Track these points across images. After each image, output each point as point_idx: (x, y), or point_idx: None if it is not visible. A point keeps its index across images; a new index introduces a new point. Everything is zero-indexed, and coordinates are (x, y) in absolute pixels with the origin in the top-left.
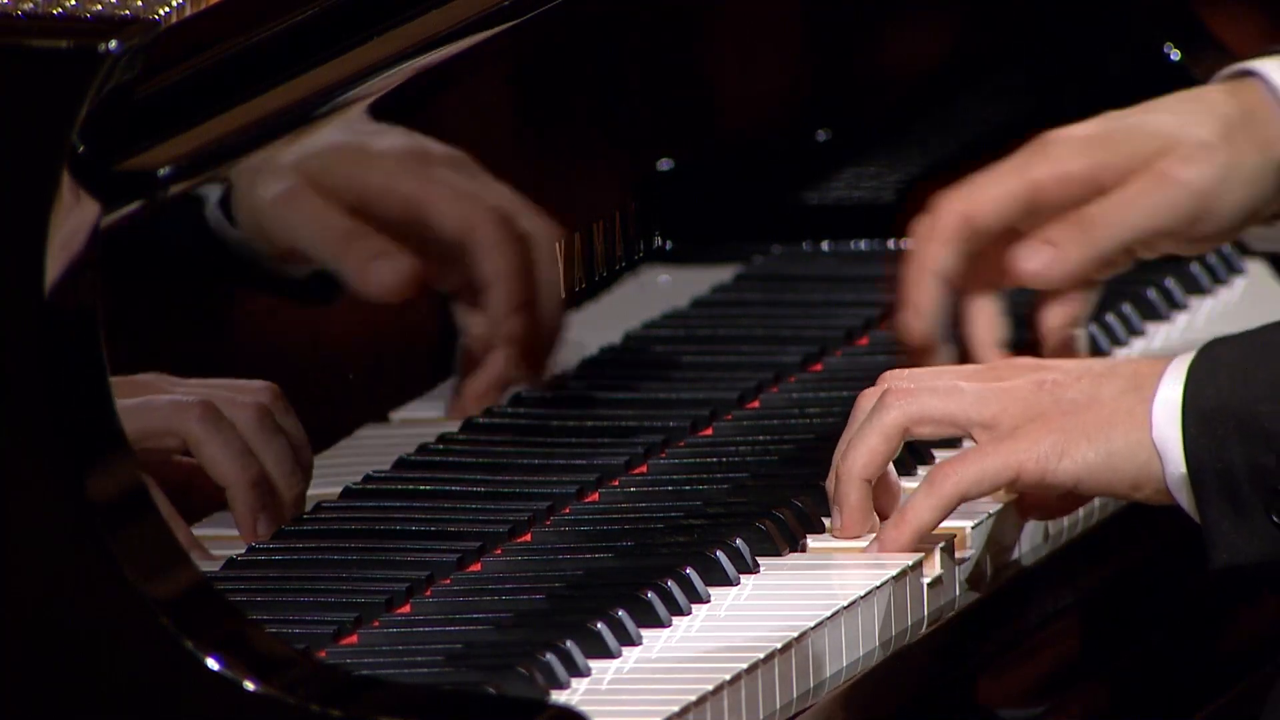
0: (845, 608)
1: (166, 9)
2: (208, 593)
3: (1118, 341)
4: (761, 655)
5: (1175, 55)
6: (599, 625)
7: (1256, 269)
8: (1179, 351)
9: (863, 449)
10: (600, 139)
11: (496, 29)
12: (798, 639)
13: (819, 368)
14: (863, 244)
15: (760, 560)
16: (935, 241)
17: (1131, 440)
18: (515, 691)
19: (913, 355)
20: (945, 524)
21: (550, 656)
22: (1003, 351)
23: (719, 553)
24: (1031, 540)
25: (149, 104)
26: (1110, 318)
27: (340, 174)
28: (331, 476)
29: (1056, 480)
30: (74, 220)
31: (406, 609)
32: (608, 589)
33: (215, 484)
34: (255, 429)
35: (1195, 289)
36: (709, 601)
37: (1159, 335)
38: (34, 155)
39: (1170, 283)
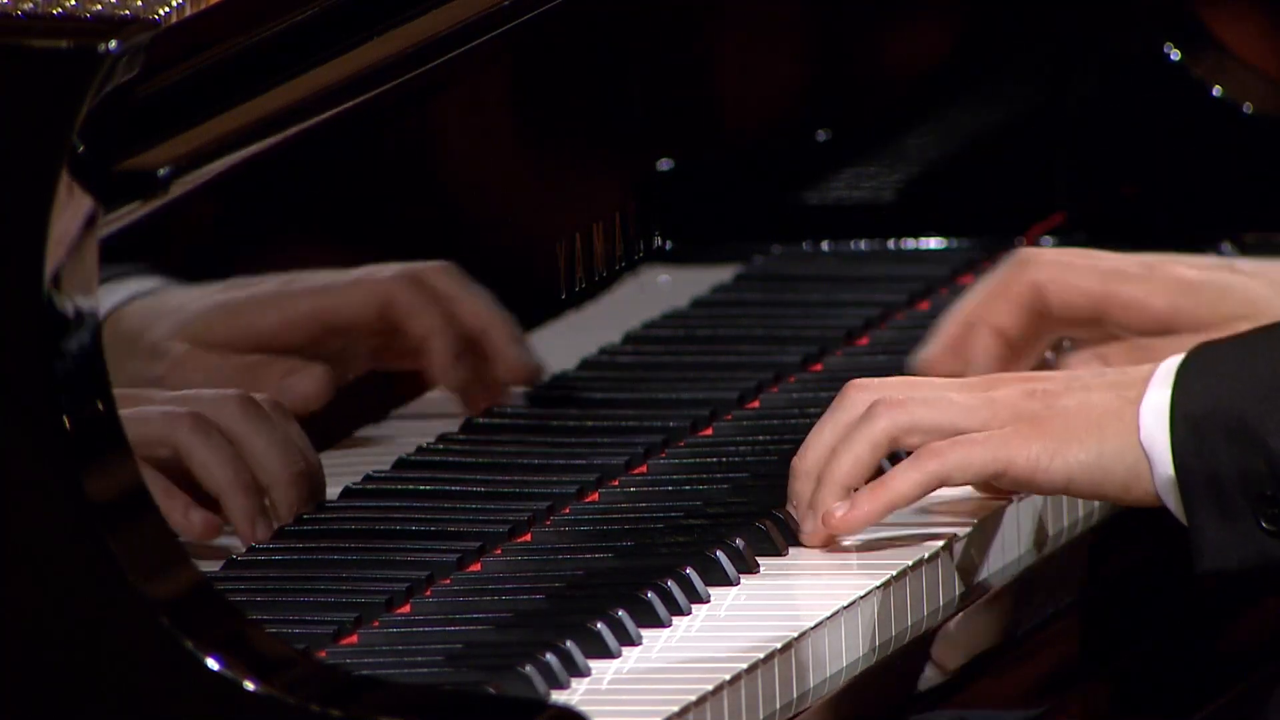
0: (845, 608)
1: (166, 9)
2: (208, 593)
3: None
4: (762, 655)
5: (1175, 55)
6: (599, 625)
7: None
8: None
9: (848, 457)
10: (600, 139)
11: (497, 29)
12: (798, 639)
13: (819, 368)
14: (863, 244)
15: (760, 560)
16: (1005, 300)
17: (1121, 443)
18: (515, 691)
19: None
20: (945, 525)
21: (550, 656)
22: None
23: (719, 553)
24: (1031, 540)
25: (149, 104)
26: None
27: (223, 329)
28: (332, 476)
29: (1047, 480)
30: (74, 220)
31: (406, 609)
32: (608, 589)
33: (209, 491)
34: (247, 435)
35: None
36: (709, 601)
37: None
38: (34, 155)
39: None
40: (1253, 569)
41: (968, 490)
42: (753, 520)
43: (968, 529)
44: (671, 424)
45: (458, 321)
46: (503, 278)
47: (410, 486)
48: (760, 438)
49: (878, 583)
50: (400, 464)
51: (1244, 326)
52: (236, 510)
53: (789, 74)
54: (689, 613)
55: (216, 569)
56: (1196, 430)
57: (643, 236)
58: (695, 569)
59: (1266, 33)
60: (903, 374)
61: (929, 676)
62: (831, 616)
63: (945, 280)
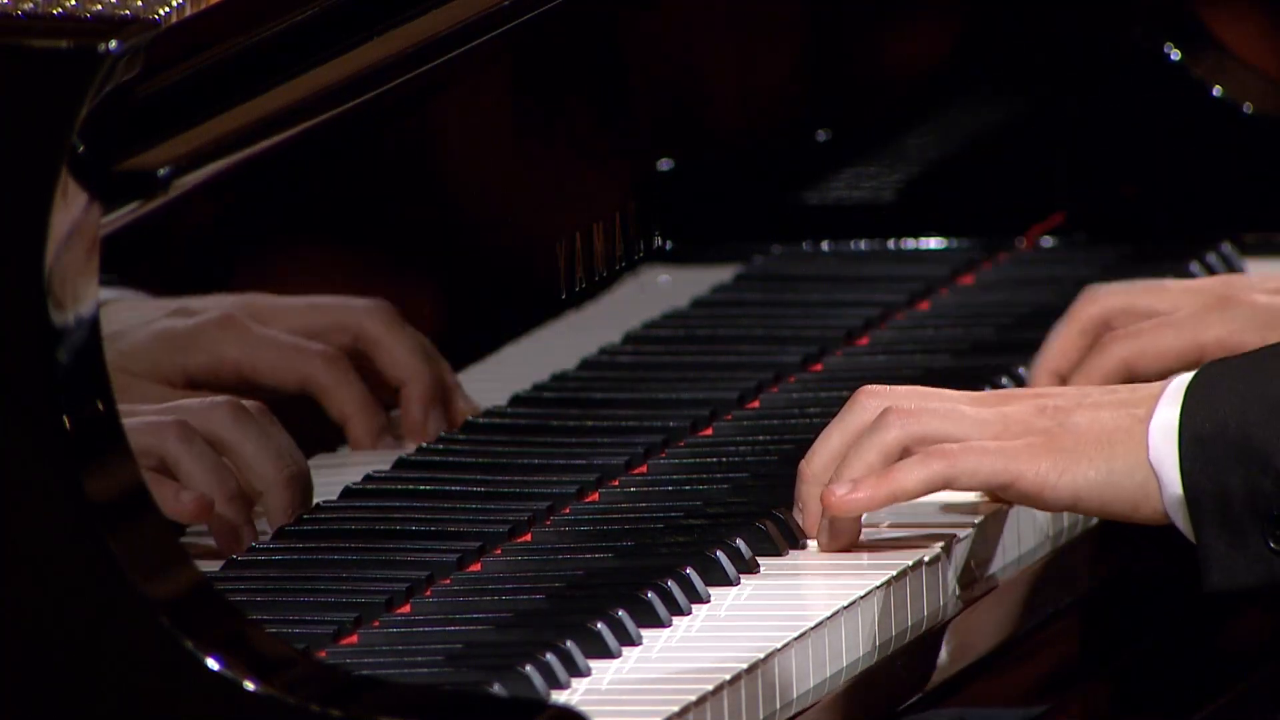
0: (846, 607)
1: (166, 9)
2: (208, 593)
3: None
4: (762, 655)
5: (1175, 55)
6: (599, 625)
7: (1257, 269)
8: None
9: (859, 464)
10: (600, 139)
11: (497, 29)
12: (798, 639)
13: (819, 368)
14: (863, 244)
15: (760, 560)
16: (1097, 376)
17: (1130, 461)
18: (515, 691)
19: None
20: (946, 525)
21: (550, 656)
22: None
23: (719, 553)
24: (1031, 540)
25: (149, 104)
26: None
27: (165, 360)
28: (332, 477)
29: (1055, 496)
30: (74, 220)
31: (406, 609)
32: (608, 589)
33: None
34: (238, 440)
35: None
36: (709, 601)
37: None
38: (34, 155)
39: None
40: (1261, 588)
41: None
42: (753, 520)
43: (969, 529)
44: (671, 424)
45: (379, 393)
46: (503, 278)
47: (410, 486)
48: (760, 438)
49: (879, 582)
50: (400, 464)
51: None
52: (217, 520)
53: (789, 74)
54: (689, 613)
55: (216, 569)
56: (1205, 449)
57: (643, 236)
58: (695, 569)
59: (1266, 33)
60: (902, 375)
61: (929, 676)
62: (832, 616)
63: (945, 280)
